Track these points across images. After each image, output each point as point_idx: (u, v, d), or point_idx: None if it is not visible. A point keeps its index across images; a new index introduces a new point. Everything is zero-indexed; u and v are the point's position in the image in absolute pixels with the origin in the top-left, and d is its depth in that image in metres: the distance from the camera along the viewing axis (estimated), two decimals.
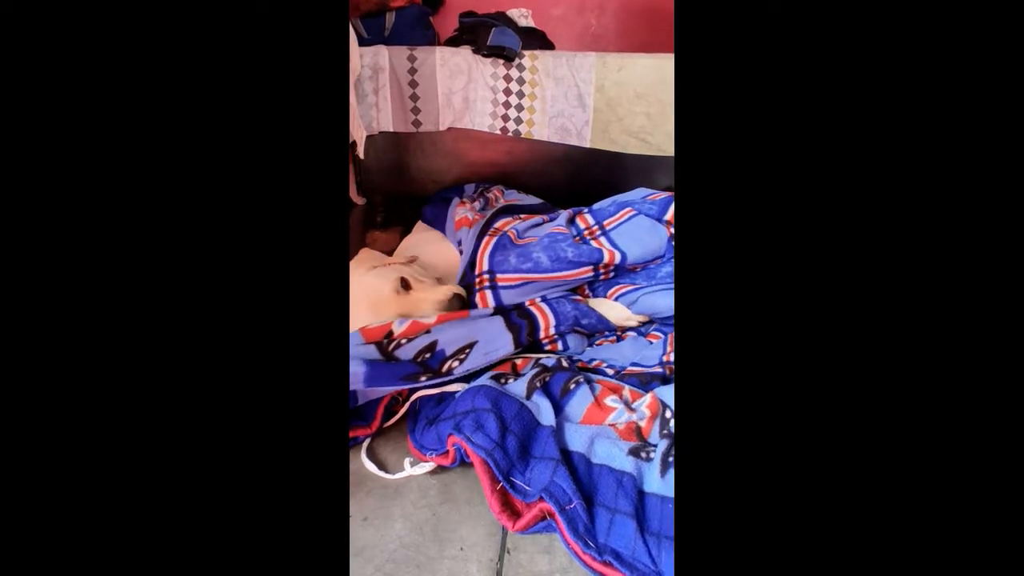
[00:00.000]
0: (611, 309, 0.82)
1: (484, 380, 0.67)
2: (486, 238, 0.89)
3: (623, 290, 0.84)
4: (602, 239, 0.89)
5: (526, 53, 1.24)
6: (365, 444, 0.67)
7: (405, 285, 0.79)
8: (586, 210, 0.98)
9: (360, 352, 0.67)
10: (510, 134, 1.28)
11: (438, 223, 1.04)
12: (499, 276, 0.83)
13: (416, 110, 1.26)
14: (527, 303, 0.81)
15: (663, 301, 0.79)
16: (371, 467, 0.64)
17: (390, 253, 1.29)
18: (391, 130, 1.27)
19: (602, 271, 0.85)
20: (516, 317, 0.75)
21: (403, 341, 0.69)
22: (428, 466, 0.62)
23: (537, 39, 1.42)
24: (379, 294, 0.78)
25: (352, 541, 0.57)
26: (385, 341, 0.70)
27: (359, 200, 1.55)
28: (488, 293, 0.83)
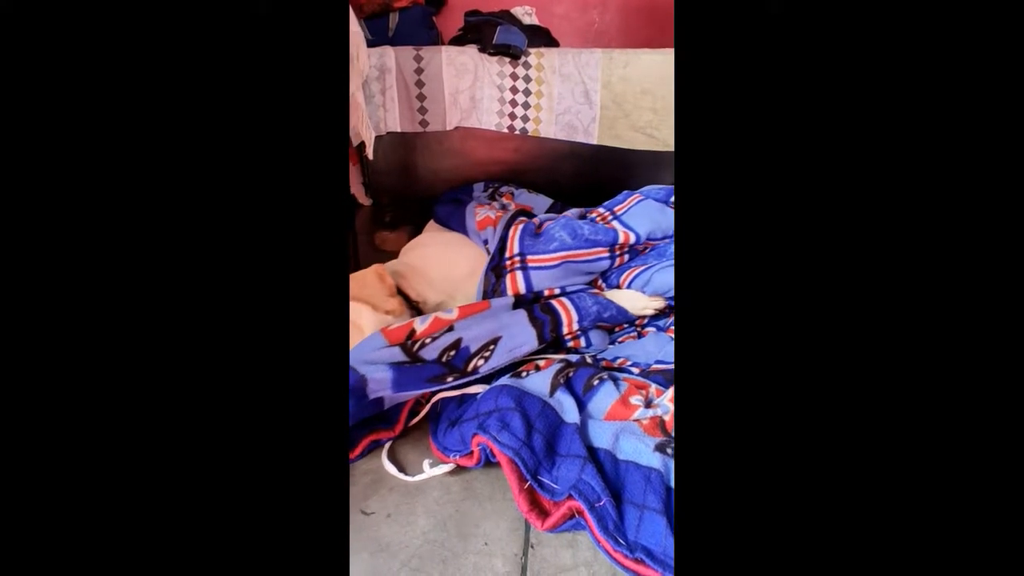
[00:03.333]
0: (627, 299, 0.83)
1: (505, 379, 0.67)
2: (513, 227, 0.92)
3: (636, 272, 0.86)
4: (614, 223, 0.91)
5: (532, 51, 1.24)
6: (387, 446, 0.67)
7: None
8: (596, 207, 0.99)
9: (384, 355, 0.67)
10: (517, 132, 1.28)
11: (454, 223, 1.04)
12: (529, 257, 0.86)
13: (423, 110, 1.26)
14: (547, 293, 0.82)
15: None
16: (391, 469, 0.64)
17: (398, 253, 1.30)
18: (398, 130, 1.27)
19: (617, 252, 0.87)
20: (539, 312, 0.75)
21: (427, 340, 0.70)
22: (447, 467, 0.62)
23: (542, 37, 1.43)
24: None
25: (377, 538, 0.58)
26: (409, 342, 0.70)
27: (366, 201, 1.56)
28: (519, 274, 0.85)
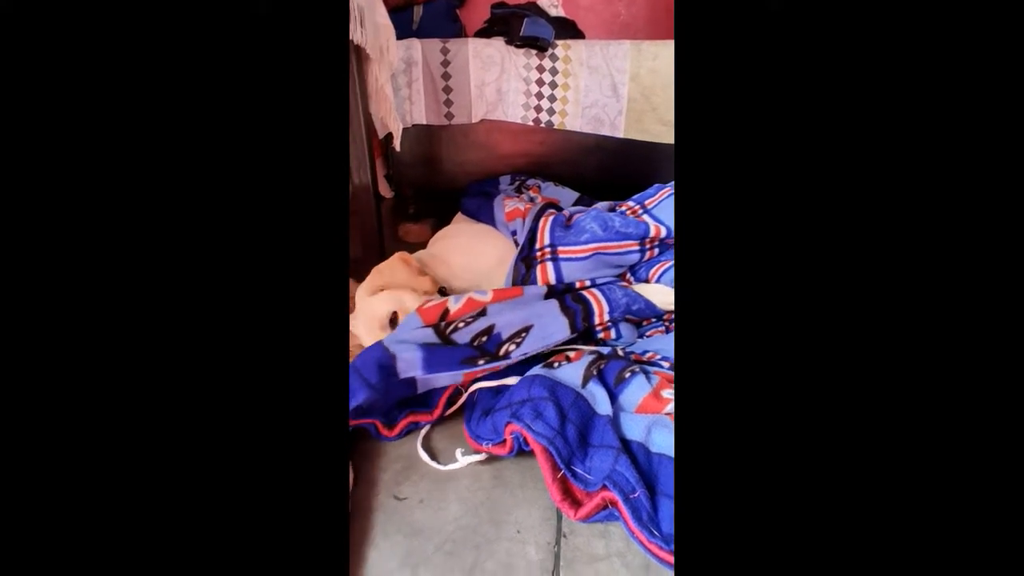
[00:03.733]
0: (656, 293, 0.83)
1: (537, 369, 0.67)
2: (543, 218, 0.92)
3: (665, 266, 0.86)
4: (645, 216, 0.90)
5: (559, 43, 1.23)
6: (423, 432, 0.68)
7: (393, 321, 0.80)
8: (625, 200, 0.99)
9: (418, 336, 0.68)
10: (543, 125, 1.28)
11: (483, 215, 1.05)
12: (560, 249, 0.86)
13: (449, 102, 1.26)
14: (578, 286, 0.82)
15: None
16: (424, 456, 0.65)
17: (423, 244, 1.31)
18: (424, 123, 1.28)
19: (647, 246, 0.87)
20: (571, 301, 0.76)
21: (460, 324, 0.70)
22: (479, 457, 0.63)
23: (568, 29, 1.42)
24: (374, 321, 0.80)
25: (410, 522, 0.59)
26: (443, 324, 0.70)
27: (387, 193, 1.57)
28: (549, 265, 0.86)
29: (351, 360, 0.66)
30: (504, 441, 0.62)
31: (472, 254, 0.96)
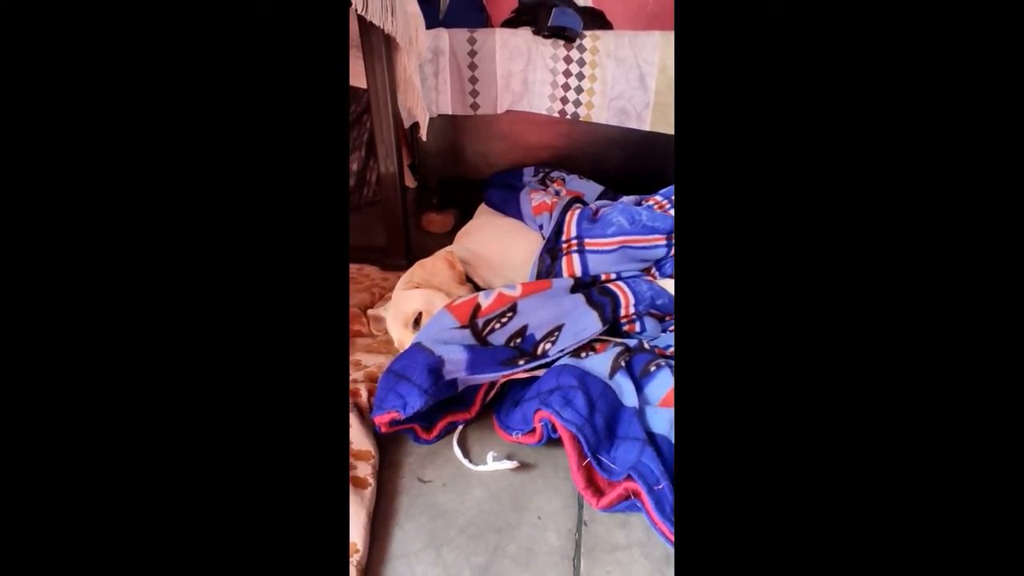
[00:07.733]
0: None
1: (565, 359, 0.67)
2: (570, 211, 0.92)
3: None
4: (672, 211, 0.90)
5: (587, 33, 1.22)
6: (458, 431, 0.68)
7: (417, 321, 0.80)
8: (652, 194, 0.98)
9: (456, 336, 0.69)
10: (568, 117, 1.27)
11: (510, 208, 1.05)
12: (587, 241, 0.86)
13: (475, 93, 1.26)
14: (603, 278, 0.82)
15: None
16: (459, 455, 0.65)
17: (446, 234, 1.31)
18: (449, 113, 1.28)
19: (674, 241, 0.87)
20: (597, 295, 0.76)
21: (496, 325, 0.71)
22: (510, 464, 0.62)
23: (596, 19, 1.40)
24: (400, 315, 0.80)
25: (434, 504, 0.60)
26: (478, 324, 0.71)
27: (411, 183, 1.59)
28: (575, 257, 0.86)
29: (389, 363, 0.66)
30: (534, 430, 0.62)
31: (504, 250, 0.96)
